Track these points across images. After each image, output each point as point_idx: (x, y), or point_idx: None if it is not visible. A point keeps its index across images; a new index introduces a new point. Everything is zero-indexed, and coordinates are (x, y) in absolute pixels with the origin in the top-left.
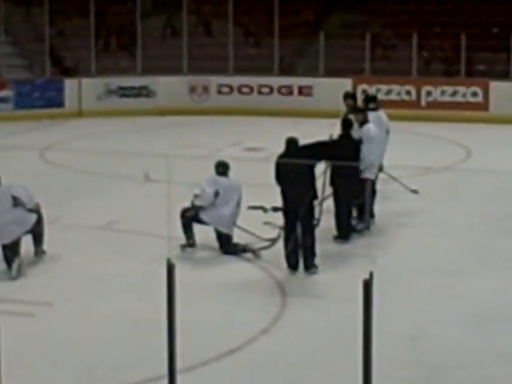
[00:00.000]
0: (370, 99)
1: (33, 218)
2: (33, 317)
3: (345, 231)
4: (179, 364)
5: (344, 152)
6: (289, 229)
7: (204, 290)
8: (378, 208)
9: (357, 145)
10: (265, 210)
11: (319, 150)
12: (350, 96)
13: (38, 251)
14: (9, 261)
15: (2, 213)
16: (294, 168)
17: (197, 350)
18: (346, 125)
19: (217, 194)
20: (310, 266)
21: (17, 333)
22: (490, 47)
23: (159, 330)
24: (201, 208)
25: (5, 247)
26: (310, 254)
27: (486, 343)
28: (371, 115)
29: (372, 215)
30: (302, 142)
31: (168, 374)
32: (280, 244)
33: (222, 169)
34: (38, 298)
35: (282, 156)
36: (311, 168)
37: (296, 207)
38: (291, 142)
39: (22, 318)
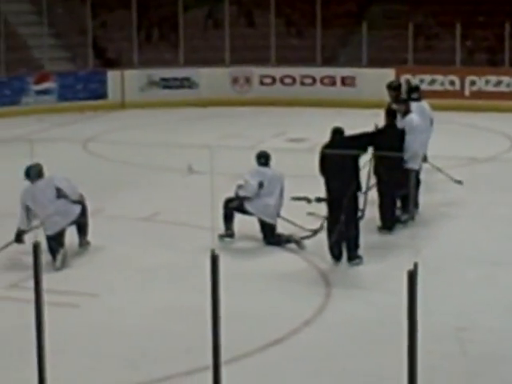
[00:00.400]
0: (412, 89)
1: (77, 209)
2: (77, 307)
3: (389, 222)
4: (224, 355)
5: (388, 142)
6: (332, 219)
7: (247, 280)
8: (422, 199)
9: (401, 134)
10: (308, 200)
11: (364, 141)
12: (393, 87)
13: (83, 242)
14: (54, 252)
15: (46, 204)
16: (338, 159)
17: (241, 341)
18: (390, 115)
19: (261, 184)
20: (353, 257)
21: (62, 323)
22: None
23: (203, 320)
24: (245, 198)
25: (49, 238)
26: (353, 246)
27: None
28: (414, 105)
29: (416, 205)
30: (347, 132)
31: (212, 365)
32: (323, 234)
33: (264, 160)
34: (82, 288)
35: (326, 146)
36: (355, 159)
37: (340, 198)
38: (337, 132)
39: (67, 308)
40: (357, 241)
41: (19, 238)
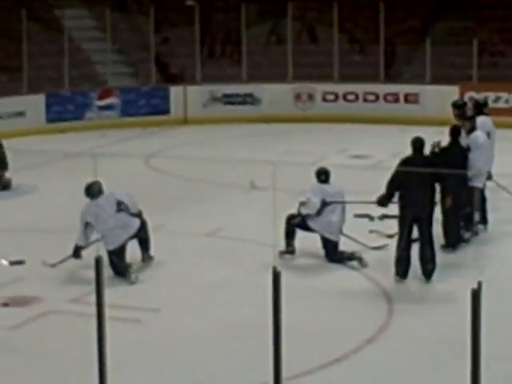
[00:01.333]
0: (482, 105)
1: (136, 222)
2: (139, 323)
3: (453, 240)
4: (284, 372)
5: (453, 160)
6: (404, 236)
7: (309, 297)
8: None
9: (465, 153)
10: (371, 218)
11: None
12: (457, 106)
13: (145, 257)
14: (116, 267)
15: (107, 219)
16: (420, 177)
17: (302, 359)
18: (455, 133)
19: (324, 202)
20: (430, 275)
21: (123, 338)
22: None
23: (265, 338)
24: (308, 216)
25: (111, 253)
26: (432, 265)
27: None
28: (479, 121)
29: (485, 221)
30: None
31: (274, 381)
32: (385, 253)
33: (325, 176)
34: (144, 304)
35: (406, 161)
36: (436, 179)
37: (416, 215)
38: (417, 142)
39: (129, 323)
40: (434, 260)
41: (77, 253)
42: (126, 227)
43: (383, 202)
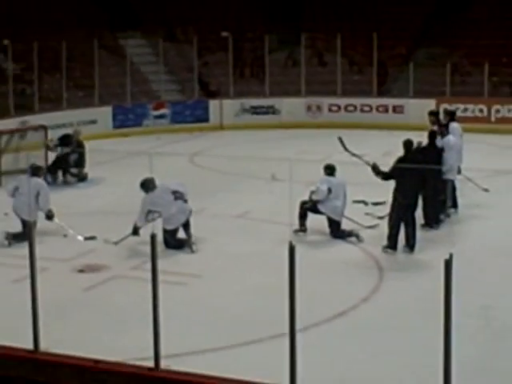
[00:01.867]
0: (451, 113)
1: (189, 207)
2: (185, 285)
3: (431, 220)
4: (298, 324)
5: (430, 158)
6: (399, 217)
7: (317, 266)
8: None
9: (439, 152)
10: (366, 203)
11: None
12: (432, 113)
13: (189, 234)
14: (169, 243)
15: (168, 206)
16: (410, 171)
17: (312, 314)
18: (432, 136)
19: (329, 190)
20: (413, 246)
21: (173, 298)
22: None
23: (282, 297)
24: (318, 201)
25: (167, 232)
26: (413, 241)
27: None
28: (451, 126)
29: (456, 206)
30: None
31: (289, 332)
32: (376, 231)
33: (330, 170)
34: (189, 270)
35: (404, 157)
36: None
37: (406, 202)
38: (408, 143)
39: (177, 286)
40: (415, 236)
41: (135, 232)
42: (183, 212)
43: (378, 172)
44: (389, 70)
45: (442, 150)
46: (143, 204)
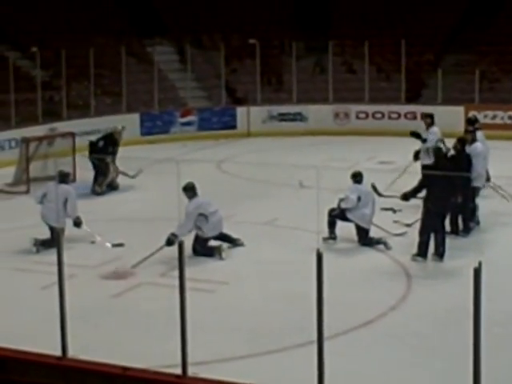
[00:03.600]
0: (473, 121)
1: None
2: (213, 293)
3: (462, 228)
4: (326, 332)
5: (460, 165)
6: (429, 225)
7: (345, 273)
8: (485, 210)
9: (469, 159)
10: (394, 211)
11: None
12: (426, 115)
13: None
14: (199, 251)
15: (209, 215)
16: (443, 177)
17: (339, 322)
18: (462, 143)
19: (359, 198)
20: (442, 254)
21: (200, 305)
22: None
23: (310, 305)
24: (347, 209)
25: (201, 240)
26: (443, 248)
27: None
28: (478, 134)
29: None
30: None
31: (317, 340)
32: (405, 239)
33: (359, 178)
34: (216, 277)
35: (434, 165)
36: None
37: (437, 210)
38: (438, 151)
39: (204, 293)
40: (445, 243)
41: (170, 242)
42: (220, 224)
43: (407, 197)
44: (417, 76)
45: (470, 156)
46: (193, 208)
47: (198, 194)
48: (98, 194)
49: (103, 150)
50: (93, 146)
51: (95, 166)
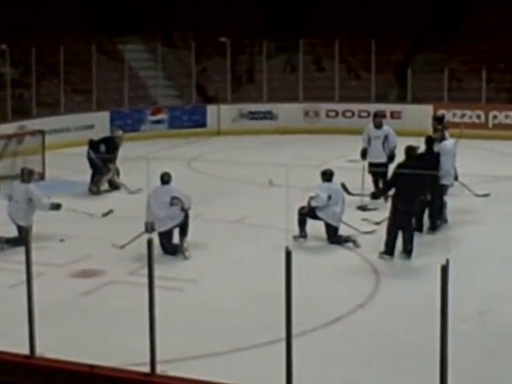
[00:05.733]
0: (440, 120)
1: (182, 215)
2: (181, 291)
3: (431, 225)
4: (294, 330)
5: (428, 163)
6: (397, 223)
7: (314, 271)
8: (453, 208)
9: (437, 158)
10: (369, 209)
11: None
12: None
13: (183, 239)
14: (165, 248)
15: (161, 207)
16: (413, 177)
17: (308, 319)
18: (429, 142)
19: (329, 197)
20: (409, 254)
21: (169, 303)
22: None
23: (279, 302)
24: (317, 208)
25: (161, 236)
26: (410, 246)
27: None
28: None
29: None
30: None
31: (286, 337)
32: (373, 237)
33: (329, 176)
34: (185, 276)
35: (403, 163)
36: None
37: (405, 208)
38: (409, 150)
39: (173, 291)
40: (413, 241)
41: (146, 229)
42: (171, 219)
43: (377, 196)
44: (387, 76)
45: (439, 155)
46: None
47: (168, 182)
48: (94, 193)
49: (104, 153)
50: (93, 146)
51: (92, 165)
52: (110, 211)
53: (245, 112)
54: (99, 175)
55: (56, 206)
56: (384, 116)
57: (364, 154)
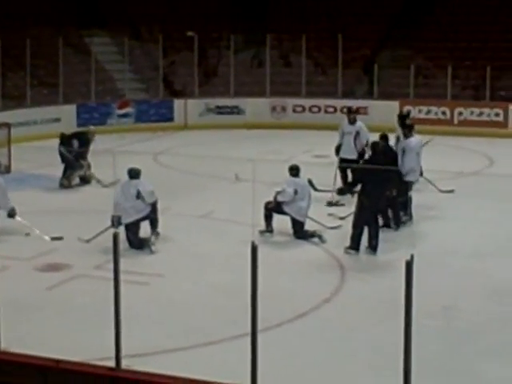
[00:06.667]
0: (405, 116)
1: (148, 208)
2: (147, 285)
3: (393, 221)
4: (259, 324)
5: (389, 159)
6: (362, 218)
7: (280, 266)
8: (418, 204)
9: (395, 155)
10: (337, 204)
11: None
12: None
13: (153, 233)
14: (131, 241)
15: (128, 199)
16: (376, 171)
17: (273, 314)
18: (384, 139)
19: (296, 191)
20: (375, 249)
21: (135, 298)
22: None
23: (245, 297)
24: (283, 203)
25: (127, 229)
26: (376, 241)
27: (504, 313)
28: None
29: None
30: None
31: (251, 332)
32: (339, 232)
33: (296, 171)
34: (152, 270)
35: (369, 159)
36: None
37: (371, 204)
38: (375, 145)
39: (139, 286)
40: (378, 237)
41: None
42: (139, 211)
43: (343, 191)
44: (353, 71)
45: (403, 151)
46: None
47: (136, 177)
48: (65, 187)
49: (77, 148)
50: (65, 140)
51: (63, 159)
52: (61, 238)
53: (212, 106)
54: (71, 170)
55: (12, 215)
56: (358, 112)
57: (338, 150)
